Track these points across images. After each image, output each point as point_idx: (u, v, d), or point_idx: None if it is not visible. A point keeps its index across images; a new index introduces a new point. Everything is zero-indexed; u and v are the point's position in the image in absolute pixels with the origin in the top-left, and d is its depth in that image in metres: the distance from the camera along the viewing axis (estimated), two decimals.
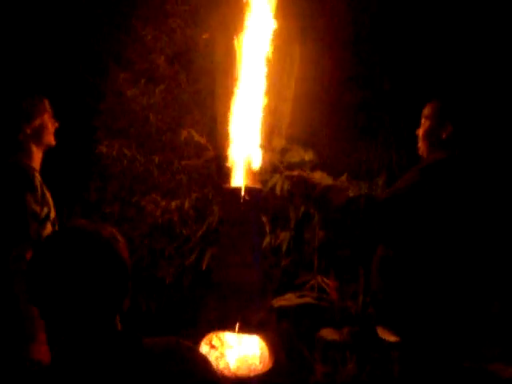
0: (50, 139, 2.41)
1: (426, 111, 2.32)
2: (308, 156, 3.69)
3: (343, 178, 3.70)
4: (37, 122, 2.35)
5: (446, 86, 3.76)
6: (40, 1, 4.64)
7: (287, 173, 2.54)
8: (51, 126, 2.40)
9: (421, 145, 2.34)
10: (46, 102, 2.42)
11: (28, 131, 2.32)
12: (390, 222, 2.16)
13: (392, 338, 2.21)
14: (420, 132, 2.33)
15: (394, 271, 2.21)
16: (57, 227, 2.32)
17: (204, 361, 1.22)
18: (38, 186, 2.25)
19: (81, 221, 1.23)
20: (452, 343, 2.15)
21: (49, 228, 2.26)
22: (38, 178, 2.29)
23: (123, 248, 1.21)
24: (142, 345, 1.18)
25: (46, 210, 2.27)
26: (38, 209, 2.22)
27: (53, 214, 2.31)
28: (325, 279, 3.54)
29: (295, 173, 2.55)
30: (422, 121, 2.33)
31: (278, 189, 3.56)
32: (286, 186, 3.20)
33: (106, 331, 1.18)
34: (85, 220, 1.23)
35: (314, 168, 3.70)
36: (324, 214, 2.48)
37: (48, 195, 2.32)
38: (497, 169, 2.34)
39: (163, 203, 4.03)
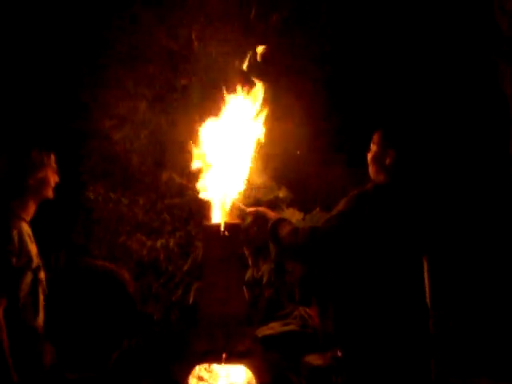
0: (49, 193, 2.45)
1: (374, 137, 2.41)
2: (282, 193, 3.83)
3: (315, 211, 3.82)
4: (40, 175, 2.39)
5: (400, 113, 3.94)
6: (23, 47, 4.77)
7: (247, 209, 2.61)
8: (52, 180, 2.45)
9: (370, 169, 2.42)
10: (52, 157, 2.47)
11: (30, 182, 2.37)
12: (326, 248, 2.23)
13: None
14: (368, 157, 2.43)
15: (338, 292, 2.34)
16: (41, 274, 2.37)
17: None
18: (16, 239, 2.27)
19: (99, 261, 1.39)
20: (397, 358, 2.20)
21: (29, 276, 2.31)
22: (20, 230, 2.31)
23: (135, 292, 1.36)
24: None
25: (24, 259, 2.29)
26: (12, 260, 2.24)
27: (35, 263, 2.34)
28: (307, 310, 3.63)
29: (252, 209, 2.59)
30: (371, 146, 2.42)
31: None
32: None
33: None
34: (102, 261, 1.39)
35: (289, 204, 3.86)
36: (276, 245, 2.56)
37: (30, 246, 2.35)
38: (430, 196, 2.45)
39: (149, 243, 4.12)
